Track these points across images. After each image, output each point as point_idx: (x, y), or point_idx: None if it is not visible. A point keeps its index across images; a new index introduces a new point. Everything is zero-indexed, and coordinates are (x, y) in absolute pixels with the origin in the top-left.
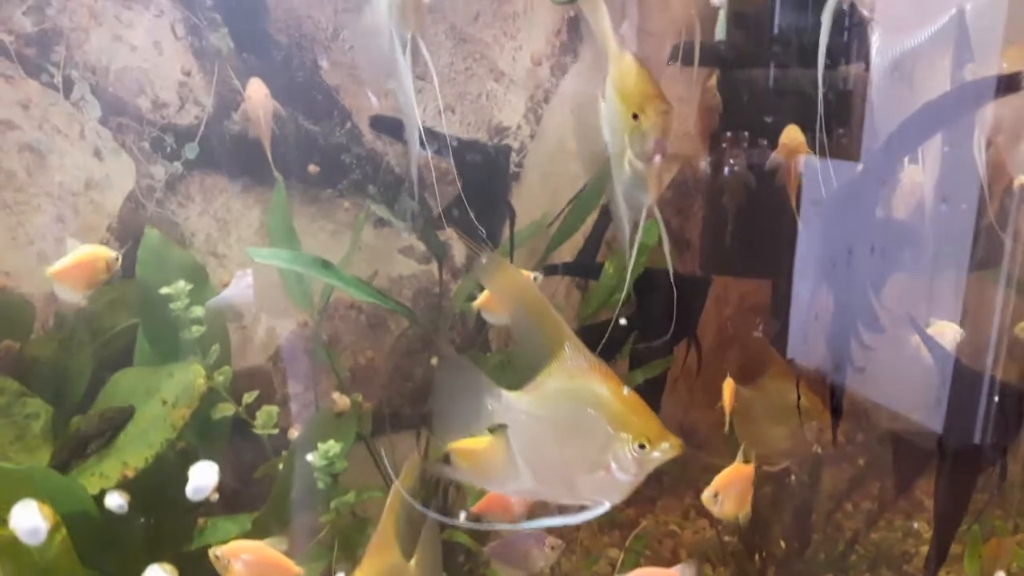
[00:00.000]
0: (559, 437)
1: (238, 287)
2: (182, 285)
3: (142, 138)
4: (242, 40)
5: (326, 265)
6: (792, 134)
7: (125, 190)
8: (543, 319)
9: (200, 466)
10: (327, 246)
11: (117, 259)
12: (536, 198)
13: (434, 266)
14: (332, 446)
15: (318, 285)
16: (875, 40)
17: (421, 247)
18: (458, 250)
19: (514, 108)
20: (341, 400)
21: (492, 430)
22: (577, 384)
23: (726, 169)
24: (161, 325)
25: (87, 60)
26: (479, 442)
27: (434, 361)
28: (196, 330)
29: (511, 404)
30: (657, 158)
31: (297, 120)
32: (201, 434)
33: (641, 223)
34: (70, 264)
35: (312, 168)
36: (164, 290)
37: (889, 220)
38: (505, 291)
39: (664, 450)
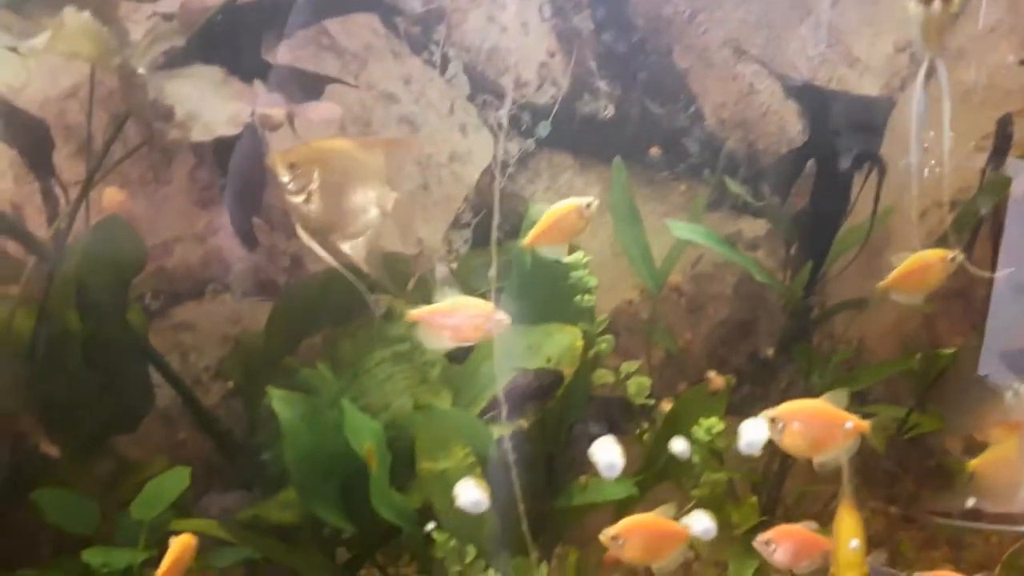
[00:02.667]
0: None
1: None
2: (581, 255)
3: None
4: (602, 22)
5: (732, 245)
6: None
7: (482, 164)
8: None
9: (605, 442)
10: (658, 228)
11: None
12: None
13: (759, 253)
14: (715, 423)
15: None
16: None
17: (747, 234)
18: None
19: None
20: (716, 379)
21: None
22: None
23: None
24: (536, 288)
25: (463, 40)
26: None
27: (770, 352)
28: (588, 299)
29: None
30: None
31: (643, 102)
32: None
33: None
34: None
35: (654, 150)
36: (567, 259)
37: None
38: None
39: None
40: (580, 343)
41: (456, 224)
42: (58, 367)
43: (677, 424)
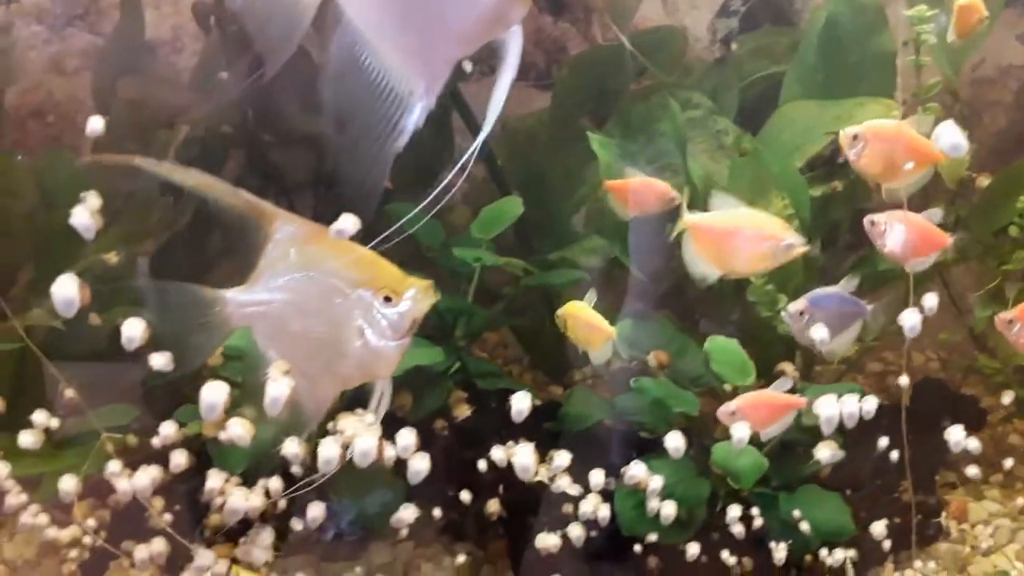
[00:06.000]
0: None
1: None
2: (924, 8)
3: None
4: None
5: None
6: None
7: None
8: None
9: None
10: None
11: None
12: None
13: None
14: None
15: None
16: None
17: None
18: None
19: None
20: None
21: None
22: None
23: None
24: (837, 59)
25: None
26: None
27: None
28: (923, 60)
29: None
30: None
31: None
32: None
33: None
34: None
35: None
36: (908, 12)
37: None
38: None
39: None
40: (897, 112)
41: (724, 11)
42: None
43: (996, 198)
